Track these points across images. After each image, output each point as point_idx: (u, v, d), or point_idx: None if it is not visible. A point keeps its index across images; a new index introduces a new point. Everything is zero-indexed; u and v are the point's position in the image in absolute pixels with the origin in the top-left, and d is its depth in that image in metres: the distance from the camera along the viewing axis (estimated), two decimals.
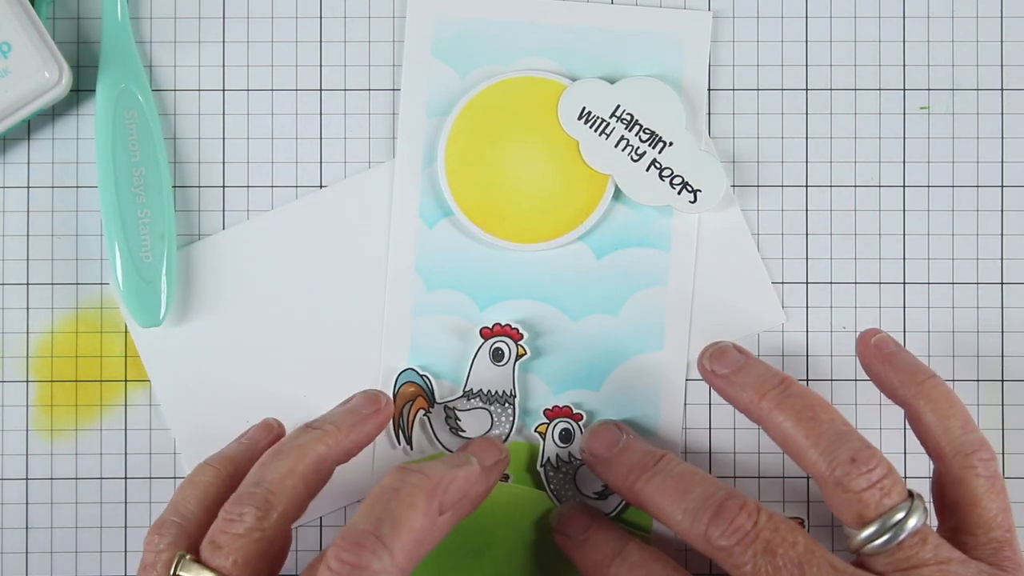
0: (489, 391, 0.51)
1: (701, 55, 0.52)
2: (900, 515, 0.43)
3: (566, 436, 0.51)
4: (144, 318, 0.51)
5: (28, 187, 0.52)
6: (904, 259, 0.52)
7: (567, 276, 0.52)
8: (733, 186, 0.52)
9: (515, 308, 0.52)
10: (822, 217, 0.52)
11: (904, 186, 0.52)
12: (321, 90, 0.53)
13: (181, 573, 0.42)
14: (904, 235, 0.52)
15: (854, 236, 0.52)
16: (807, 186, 0.52)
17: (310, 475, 0.44)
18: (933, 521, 0.47)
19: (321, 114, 0.53)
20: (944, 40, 0.52)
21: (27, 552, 0.52)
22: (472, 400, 0.51)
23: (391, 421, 0.52)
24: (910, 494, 0.44)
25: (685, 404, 0.52)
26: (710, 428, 0.52)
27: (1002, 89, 0.52)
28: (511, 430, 0.51)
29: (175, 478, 0.52)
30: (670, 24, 0.52)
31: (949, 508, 0.46)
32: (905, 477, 0.52)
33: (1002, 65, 0.52)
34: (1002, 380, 0.52)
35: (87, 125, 0.52)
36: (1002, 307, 0.53)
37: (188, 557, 0.43)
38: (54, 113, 0.52)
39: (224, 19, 0.53)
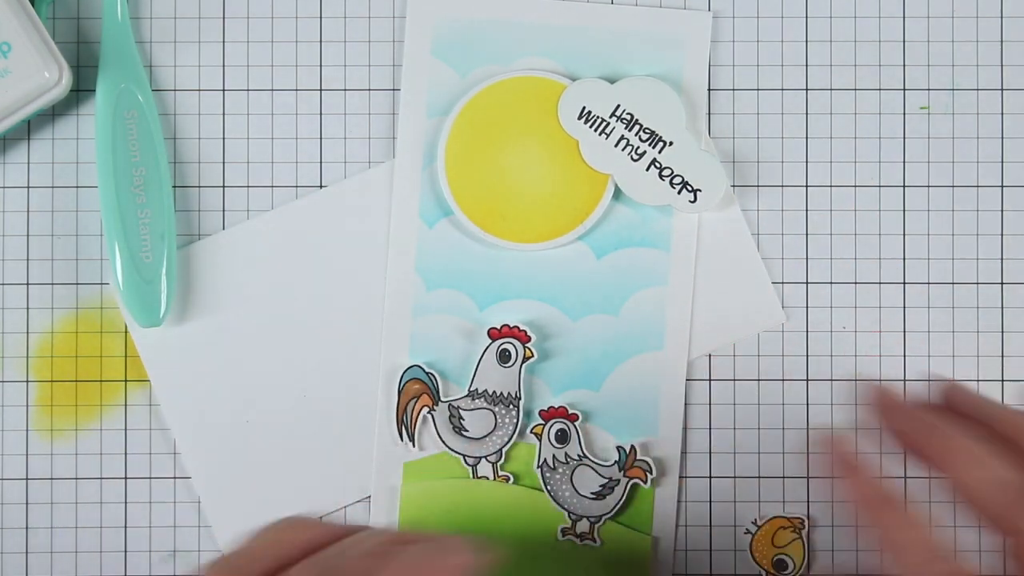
0: (494, 392, 0.51)
1: (701, 55, 0.52)
2: None
3: (562, 437, 0.51)
4: (144, 318, 0.51)
5: (28, 187, 0.52)
6: (904, 259, 0.52)
7: (567, 276, 0.52)
8: (733, 186, 0.52)
9: (515, 308, 0.52)
10: (822, 217, 0.52)
11: (904, 186, 0.52)
12: (321, 90, 0.53)
13: None
14: (904, 235, 0.52)
15: (854, 236, 0.52)
16: (807, 186, 0.53)
17: None
18: None
19: (321, 114, 0.53)
20: (944, 40, 0.53)
21: (27, 552, 0.52)
22: (477, 400, 0.51)
23: (394, 416, 0.52)
24: None
25: (685, 404, 0.52)
26: (710, 428, 0.52)
27: (1002, 89, 0.52)
28: (515, 432, 0.51)
29: (175, 478, 0.52)
30: (670, 24, 0.52)
31: None
32: (906, 477, 0.52)
33: (1002, 65, 0.52)
34: (1002, 380, 0.52)
35: (87, 125, 0.52)
36: (1002, 307, 0.53)
37: None
38: (54, 113, 0.52)
39: (224, 19, 0.53)
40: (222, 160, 0.52)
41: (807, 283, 0.53)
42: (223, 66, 0.52)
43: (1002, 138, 0.53)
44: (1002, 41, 0.53)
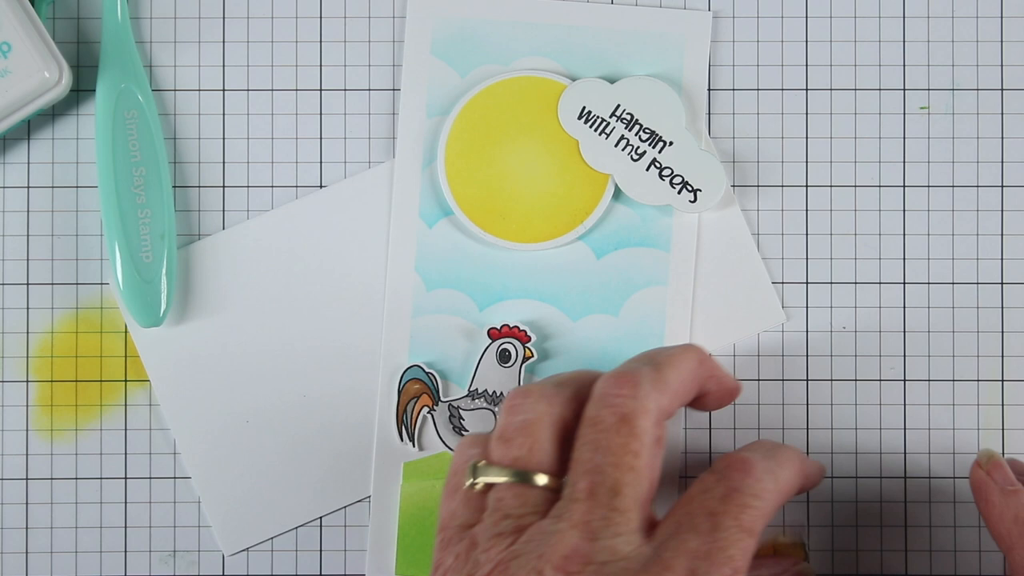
0: (494, 392, 0.51)
1: (701, 55, 0.52)
2: None
3: None
4: (144, 318, 0.51)
5: (28, 187, 0.52)
6: (904, 259, 0.52)
7: (567, 276, 0.52)
8: (733, 186, 0.52)
9: (515, 308, 0.52)
10: (822, 217, 0.52)
11: (904, 186, 0.52)
12: (321, 90, 0.53)
13: (480, 477, 0.41)
14: (904, 235, 0.52)
15: (854, 236, 0.52)
16: (807, 186, 0.53)
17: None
18: None
19: (321, 114, 0.53)
20: (944, 40, 0.52)
21: (27, 552, 0.52)
22: (477, 400, 0.51)
23: (394, 416, 0.52)
24: None
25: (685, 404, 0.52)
26: (710, 428, 0.52)
27: (1002, 89, 0.52)
28: None
29: (175, 478, 0.52)
30: (670, 24, 0.52)
31: None
32: (910, 476, 0.52)
33: (1002, 65, 0.52)
34: (1002, 380, 0.52)
35: (87, 125, 0.52)
36: (1002, 307, 0.53)
37: (483, 462, 0.42)
38: (54, 113, 0.52)
39: (224, 19, 0.53)
40: (222, 160, 0.52)
41: (807, 283, 0.53)
42: (223, 66, 0.52)
43: (1002, 138, 0.53)
44: (1002, 41, 0.53)
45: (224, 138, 0.52)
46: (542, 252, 0.52)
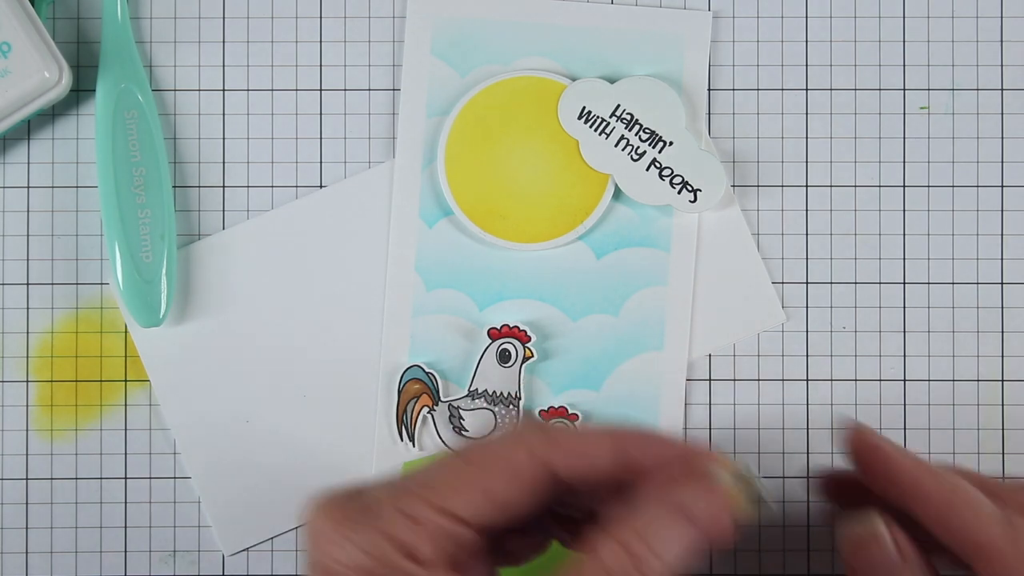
0: (494, 392, 0.51)
1: (701, 55, 0.52)
2: None
3: None
4: (144, 318, 0.51)
5: (28, 187, 0.52)
6: (904, 259, 0.52)
7: (567, 276, 0.52)
8: (733, 186, 0.52)
9: (515, 308, 0.52)
10: (822, 217, 0.52)
11: (904, 186, 0.52)
12: (321, 90, 0.53)
13: None
14: (904, 235, 0.52)
15: (854, 236, 0.52)
16: (807, 186, 0.53)
17: None
18: None
19: (321, 114, 0.53)
20: (944, 40, 0.53)
21: (27, 552, 0.52)
22: (477, 400, 0.51)
23: (394, 416, 0.52)
24: None
25: (685, 404, 0.52)
26: (710, 428, 0.52)
27: (1002, 89, 0.52)
28: None
29: (175, 478, 0.52)
30: (670, 24, 0.52)
31: None
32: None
33: (1002, 65, 0.52)
34: (1002, 380, 0.52)
35: (87, 125, 0.52)
36: (1002, 307, 0.53)
37: None
38: (54, 113, 0.52)
39: (224, 19, 0.53)
40: (222, 160, 0.52)
41: (807, 283, 0.53)
42: (223, 66, 0.52)
43: (1002, 138, 0.53)
44: (1002, 41, 0.53)
45: (224, 138, 0.52)
46: (542, 252, 0.52)
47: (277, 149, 0.53)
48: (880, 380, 0.52)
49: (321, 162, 0.53)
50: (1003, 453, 0.53)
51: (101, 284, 0.52)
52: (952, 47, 0.53)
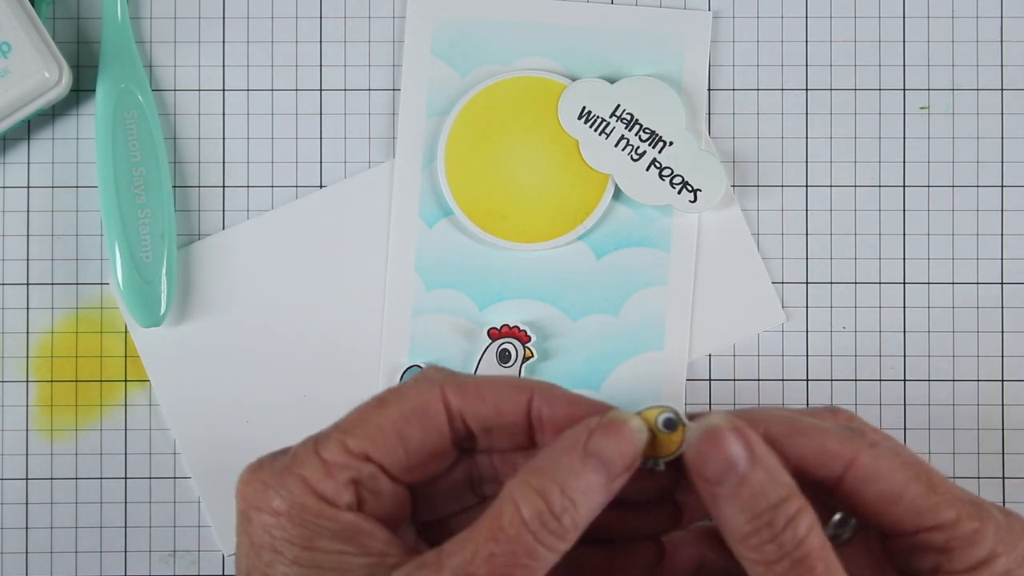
0: None
1: (701, 55, 0.52)
2: None
3: None
4: (144, 318, 0.51)
5: (28, 187, 0.52)
6: (904, 259, 0.52)
7: (567, 276, 0.52)
8: (733, 186, 0.52)
9: (515, 308, 0.52)
10: (822, 217, 0.52)
11: (904, 186, 0.52)
12: (321, 90, 0.53)
13: None
14: (904, 235, 0.52)
15: (854, 236, 0.52)
16: (807, 186, 0.53)
17: None
18: None
19: (321, 114, 0.53)
20: (944, 40, 0.52)
21: (27, 552, 0.52)
22: None
23: None
24: None
25: (685, 404, 0.52)
26: None
27: (1002, 89, 0.52)
28: None
29: (175, 478, 0.52)
30: (670, 24, 0.52)
31: None
32: None
33: (1002, 65, 0.52)
34: (1002, 380, 0.52)
35: (87, 125, 0.52)
36: (1002, 307, 0.53)
37: None
38: (54, 113, 0.52)
39: (224, 19, 0.53)
40: (222, 160, 0.52)
41: (807, 283, 0.53)
42: (223, 66, 0.52)
43: (1002, 138, 0.53)
44: (1002, 41, 0.53)
45: (224, 138, 0.52)
46: (542, 252, 0.52)
47: (277, 149, 0.53)
48: (880, 380, 0.52)
49: (321, 162, 0.53)
50: (1003, 453, 0.53)
51: (101, 284, 0.52)
52: (952, 47, 0.53)
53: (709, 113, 0.52)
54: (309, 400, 0.52)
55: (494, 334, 0.51)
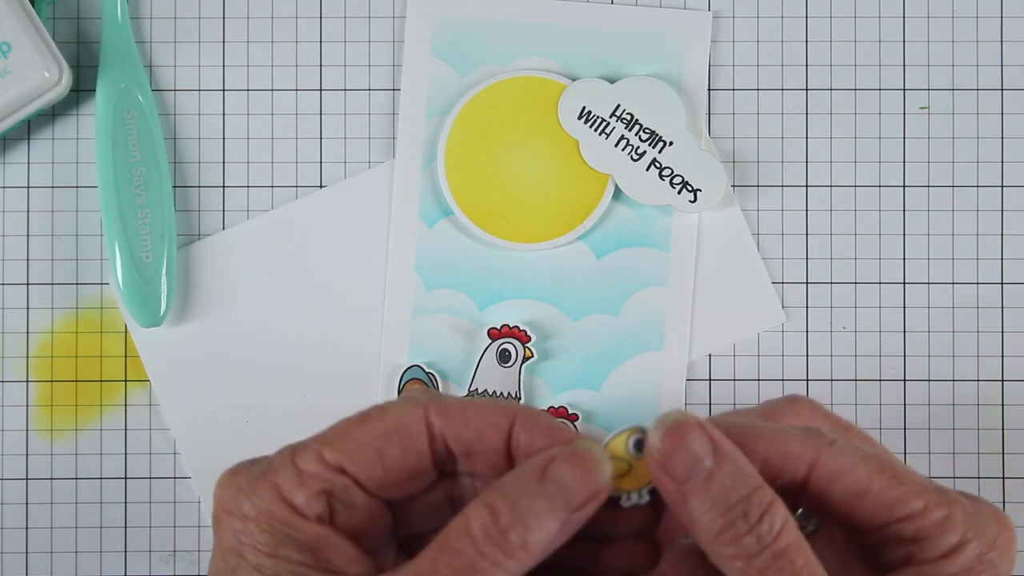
0: (494, 392, 0.51)
1: (701, 55, 0.52)
2: None
3: None
4: (144, 318, 0.51)
5: (28, 187, 0.52)
6: (904, 259, 0.52)
7: (567, 276, 0.52)
8: (733, 186, 0.52)
9: (515, 308, 0.52)
10: (822, 217, 0.52)
11: (904, 186, 0.52)
12: (321, 90, 0.53)
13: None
14: (904, 235, 0.52)
15: (854, 236, 0.52)
16: (807, 186, 0.53)
17: None
18: None
19: (321, 114, 0.53)
20: (944, 40, 0.53)
21: (27, 552, 0.52)
22: None
23: None
24: None
25: (685, 404, 0.52)
26: None
27: (1002, 89, 0.52)
28: None
29: (175, 478, 0.52)
30: (670, 24, 0.52)
31: None
32: None
33: (1002, 65, 0.52)
34: (1002, 380, 0.52)
35: (87, 125, 0.52)
36: (1002, 307, 0.53)
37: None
38: (54, 113, 0.52)
39: (224, 19, 0.53)
40: (222, 160, 0.52)
41: (807, 283, 0.53)
42: (223, 66, 0.52)
43: (1002, 138, 0.53)
44: (1002, 41, 0.53)
45: (224, 138, 0.52)
46: (542, 252, 0.52)
47: (277, 149, 0.53)
48: (880, 380, 0.52)
49: (321, 162, 0.53)
50: (1003, 453, 0.53)
51: (101, 284, 0.52)
52: (952, 47, 0.53)
53: (709, 113, 0.52)
54: (309, 400, 0.52)
55: (494, 334, 0.51)
